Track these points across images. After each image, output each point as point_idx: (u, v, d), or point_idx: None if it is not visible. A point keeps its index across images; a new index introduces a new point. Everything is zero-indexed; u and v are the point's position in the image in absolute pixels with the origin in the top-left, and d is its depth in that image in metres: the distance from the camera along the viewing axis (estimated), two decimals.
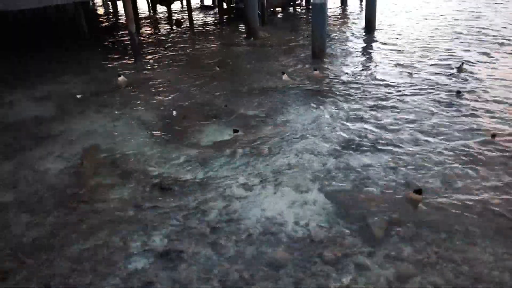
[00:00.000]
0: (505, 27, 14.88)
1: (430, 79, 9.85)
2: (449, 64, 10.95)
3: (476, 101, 8.40)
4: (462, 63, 10.60)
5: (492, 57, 11.48)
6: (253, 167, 6.27)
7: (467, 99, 8.50)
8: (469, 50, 12.20)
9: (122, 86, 10.53)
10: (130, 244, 4.74)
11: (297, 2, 23.37)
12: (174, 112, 8.54)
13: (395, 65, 11.16)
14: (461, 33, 14.48)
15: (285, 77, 10.36)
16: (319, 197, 5.42)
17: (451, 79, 9.84)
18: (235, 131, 7.36)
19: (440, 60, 11.46)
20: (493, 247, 4.45)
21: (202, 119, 8.24)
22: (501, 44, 12.68)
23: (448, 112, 7.93)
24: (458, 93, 8.73)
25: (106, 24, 21.42)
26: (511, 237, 4.60)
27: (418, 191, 5.28)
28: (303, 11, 22.59)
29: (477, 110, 7.93)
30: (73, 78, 11.64)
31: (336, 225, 4.89)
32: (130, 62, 13.10)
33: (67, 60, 13.51)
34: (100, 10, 26.98)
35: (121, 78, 10.74)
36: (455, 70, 10.37)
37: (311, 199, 5.38)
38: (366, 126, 7.52)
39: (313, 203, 5.29)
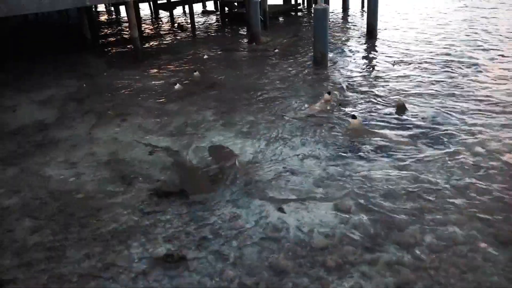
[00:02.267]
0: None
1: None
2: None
3: None
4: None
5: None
6: None
7: None
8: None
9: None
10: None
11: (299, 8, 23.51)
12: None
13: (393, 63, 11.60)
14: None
15: (326, 97, 8.82)
16: None
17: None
18: None
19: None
20: None
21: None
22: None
23: None
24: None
25: (109, 29, 21.54)
26: None
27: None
28: (305, 15, 22.71)
29: None
30: (75, 82, 11.73)
31: None
32: (133, 67, 13.16)
33: (70, 65, 13.60)
34: (103, 16, 27.17)
35: (177, 86, 10.61)
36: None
37: None
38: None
39: None
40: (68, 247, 4.84)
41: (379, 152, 6.67)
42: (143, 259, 4.57)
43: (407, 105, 8.42)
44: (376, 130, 7.44)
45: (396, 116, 8.09)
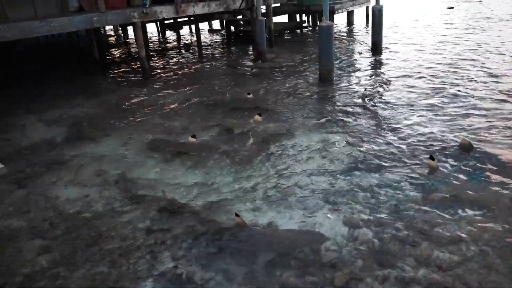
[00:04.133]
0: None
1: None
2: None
3: None
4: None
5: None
6: None
7: None
8: None
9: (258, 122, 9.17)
10: None
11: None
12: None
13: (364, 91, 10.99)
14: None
15: None
16: None
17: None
18: None
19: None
20: None
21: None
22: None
23: None
24: None
25: (117, 49, 21.89)
26: None
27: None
28: (310, 32, 22.93)
29: None
30: (84, 101, 11.89)
31: None
32: (141, 86, 13.33)
33: (79, 85, 13.80)
34: (112, 36, 27.65)
35: (250, 96, 10.68)
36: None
37: None
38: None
39: None
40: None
41: None
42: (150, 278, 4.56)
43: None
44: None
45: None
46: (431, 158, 6.51)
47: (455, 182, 6.10)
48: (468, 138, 7.34)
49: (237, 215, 5.16)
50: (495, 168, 6.38)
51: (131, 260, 4.87)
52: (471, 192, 5.77)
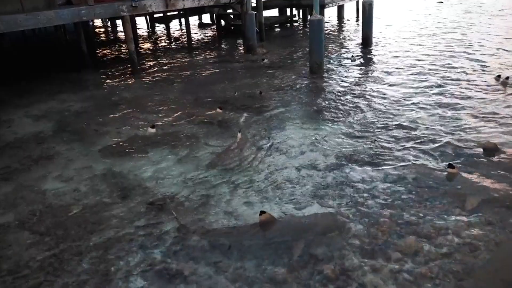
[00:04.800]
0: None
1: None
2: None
3: None
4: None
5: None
6: None
7: None
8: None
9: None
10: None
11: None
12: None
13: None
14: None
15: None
16: None
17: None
18: None
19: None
20: None
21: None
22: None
23: None
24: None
25: (106, 43, 21.64)
26: None
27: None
28: (300, 26, 22.88)
29: None
30: (72, 95, 11.74)
31: None
32: (130, 80, 13.21)
33: (66, 79, 13.63)
34: (100, 30, 27.32)
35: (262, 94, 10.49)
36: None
37: None
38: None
39: None
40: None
41: None
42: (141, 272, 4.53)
43: None
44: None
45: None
46: (451, 166, 5.99)
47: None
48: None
49: (262, 212, 5.00)
50: None
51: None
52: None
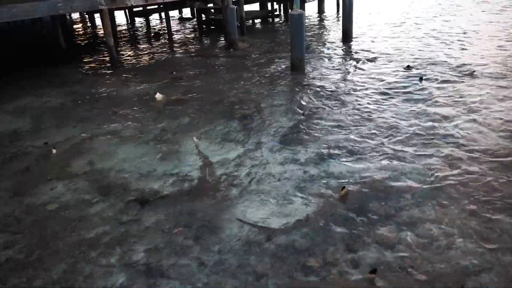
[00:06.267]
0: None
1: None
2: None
3: None
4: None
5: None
6: None
7: None
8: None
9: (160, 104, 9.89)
10: None
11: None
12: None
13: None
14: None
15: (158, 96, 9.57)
16: None
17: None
18: None
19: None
20: None
21: None
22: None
23: None
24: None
25: (84, 37, 21.22)
26: None
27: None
28: (282, 21, 22.89)
29: None
30: (50, 91, 11.51)
31: None
32: (109, 75, 13.02)
33: (44, 74, 13.34)
34: (78, 24, 26.75)
35: (157, 95, 10.30)
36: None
37: None
38: None
39: None
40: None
41: None
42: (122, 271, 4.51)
43: None
44: None
45: None
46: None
47: None
48: None
49: (343, 187, 5.54)
50: None
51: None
52: None
